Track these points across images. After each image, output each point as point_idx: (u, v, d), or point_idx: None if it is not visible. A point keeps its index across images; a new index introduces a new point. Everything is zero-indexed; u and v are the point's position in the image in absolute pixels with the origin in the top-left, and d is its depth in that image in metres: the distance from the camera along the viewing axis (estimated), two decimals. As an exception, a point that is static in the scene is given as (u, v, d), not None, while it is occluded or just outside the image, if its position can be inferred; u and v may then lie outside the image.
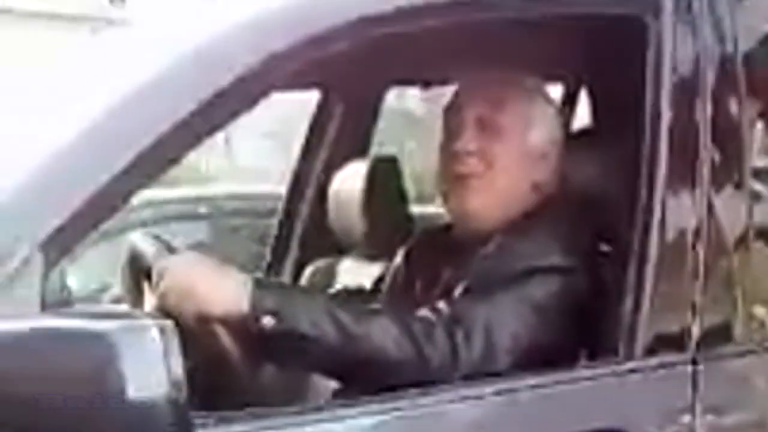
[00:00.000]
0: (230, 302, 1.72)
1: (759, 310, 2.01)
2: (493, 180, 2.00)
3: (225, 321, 1.73)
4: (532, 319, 1.84)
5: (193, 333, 1.68)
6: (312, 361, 1.81)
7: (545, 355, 1.83)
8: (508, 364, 1.81)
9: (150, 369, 1.39)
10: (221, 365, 1.76)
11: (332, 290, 2.51)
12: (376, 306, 1.93)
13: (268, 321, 1.71)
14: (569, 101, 3.02)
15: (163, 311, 1.69)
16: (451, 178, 2.03)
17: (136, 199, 1.67)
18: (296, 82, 2.47)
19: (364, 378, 1.77)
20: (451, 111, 2.08)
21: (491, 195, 2.00)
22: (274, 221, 3.21)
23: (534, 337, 1.84)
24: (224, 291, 1.73)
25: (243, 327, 1.72)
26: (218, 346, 1.74)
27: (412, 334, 1.76)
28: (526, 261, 1.88)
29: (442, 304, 1.85)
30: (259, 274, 2.91)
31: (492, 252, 1.95)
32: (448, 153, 2.04)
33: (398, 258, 2.24)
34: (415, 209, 3.00)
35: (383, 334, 1.75)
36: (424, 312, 1.84)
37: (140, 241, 1.98)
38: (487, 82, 2.07)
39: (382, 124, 3.14)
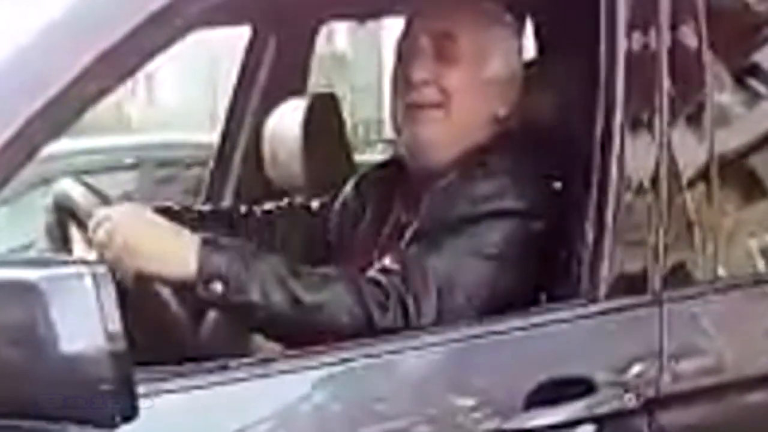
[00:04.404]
0: (177, 263, 1.63)
1: (722, 249, 1.93)
2: (450, 111, 1.92)
3: (170, 281, 1.64)
4: (487, 269, 1.77)
5: (133, 289, 1.59)
6: (260, 326, 1.74)
7: (503, 304, 1.76)
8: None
9: (84, 320, 1.27)
10: (162, 322, 1.65)
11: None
12: (328, 271, 1.80)
13: (216, 287, 1.63)
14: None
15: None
16: (406, 108, 1.94)
17: (56, 150, 1.52)
18: (222, 17, 2.33)
19: (313, 345, 1.68)
20: (405, 39, 1.99)
21: (448, 126, 1.92)
22: (206, 171, 3.07)
23: (490, 287, 1.77)
24: (171, 250, 1.64)
25: (189, 288, 1.63)
26: (160, 304, 1.63)
27: (363, 302, 1.69)
28: (481, 205, 1.80)
29: (392, 262, 1.77)
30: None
31: (445, 190, 1.86)
32: (403, 83, 1.95)
33: (348, 189, 2.15)
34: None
35: (335, 305, 1.69)
36: (374, 273, 1.76)
37: (70, 188, 1.86)
38: (441, 8, 1.98)
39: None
